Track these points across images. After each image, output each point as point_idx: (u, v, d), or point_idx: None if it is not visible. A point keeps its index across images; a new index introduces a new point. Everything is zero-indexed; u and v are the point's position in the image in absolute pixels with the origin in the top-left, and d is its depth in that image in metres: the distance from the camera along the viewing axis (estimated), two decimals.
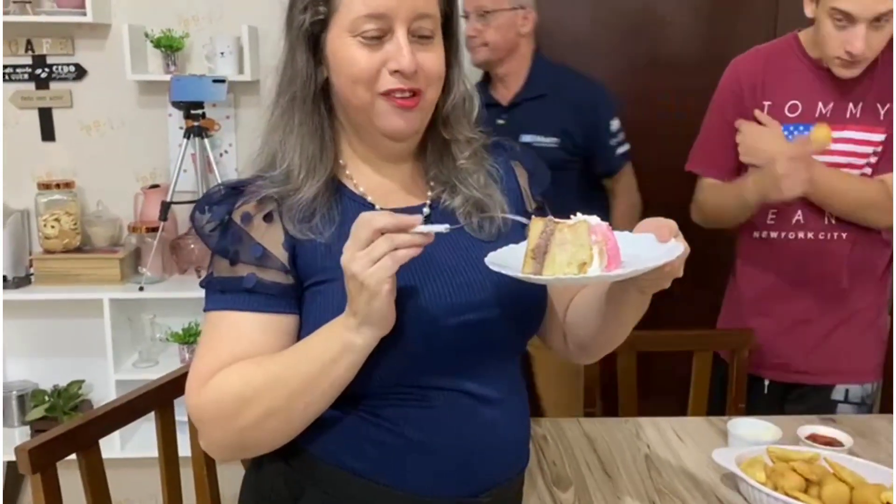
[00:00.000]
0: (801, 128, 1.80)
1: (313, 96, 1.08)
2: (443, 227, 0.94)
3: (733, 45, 2.05)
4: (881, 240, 1.82)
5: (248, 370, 1.00)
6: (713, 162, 1.92)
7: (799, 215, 1.83)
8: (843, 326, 1.86)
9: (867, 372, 1.88)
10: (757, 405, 1.92)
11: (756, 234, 1.91)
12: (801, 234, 1.84)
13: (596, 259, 0.91)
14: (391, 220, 0.91)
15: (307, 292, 1.05)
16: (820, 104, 1.79)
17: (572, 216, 0.94)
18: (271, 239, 1.04)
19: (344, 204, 1.08)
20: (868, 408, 1.90)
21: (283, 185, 1.06)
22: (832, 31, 1.67)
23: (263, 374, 0.99)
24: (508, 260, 0.97)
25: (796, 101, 1.81)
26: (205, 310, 1.07)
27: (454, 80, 1.12)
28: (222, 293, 1.04)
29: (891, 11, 1.61)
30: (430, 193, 1.14)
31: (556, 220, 0.94)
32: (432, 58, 1.04)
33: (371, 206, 1.09)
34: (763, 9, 2.56)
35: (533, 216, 0.98)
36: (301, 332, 1.05)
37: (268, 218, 1.05)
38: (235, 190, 1.07)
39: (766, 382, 1.96)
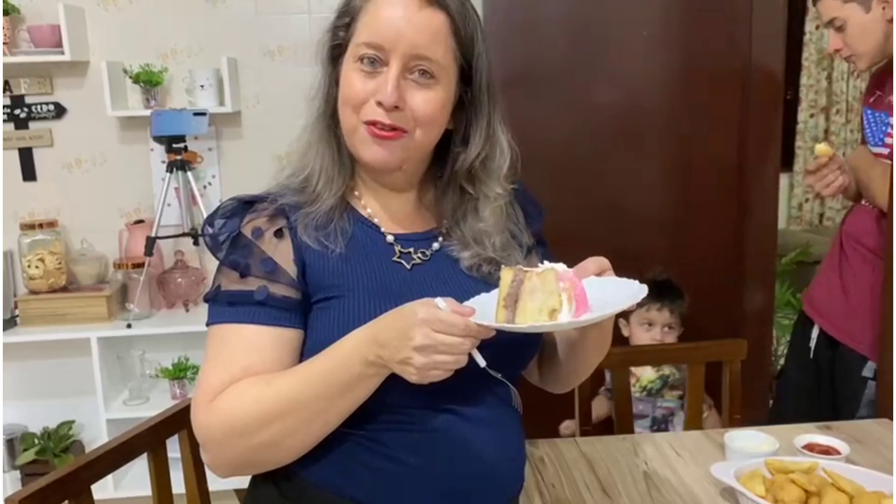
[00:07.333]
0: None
1: (332, 114, 1.11)
2: (482, 362, 0.95)
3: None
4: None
5: (258, 389, 0.99)
6: None
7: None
8: (870, 299, 1.95)
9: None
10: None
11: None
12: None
13: (565, 305, 0.93)
14: (471, 330, 0.92)
15: (314, 307, 1.06)
16: None
17: (540, 265, 0.97)
18: (282, 253, 1.05)
19: (353, 224, 1.11)
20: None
21: (300, 195, 1.08)
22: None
23: (276, 394, 0.98)
24: (480, 309, 0.97)
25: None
26: (209, 323, 1.06)
27: (474, 136, 1.12)
28: (231, 306, 1.04)
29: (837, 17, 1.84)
30: (441, 230, 1.16)
31: (525, 268, 0.96)
32: (424, 99, 1.05)
33: (378, 229, 1.12)
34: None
35: (503, 266, 0.99)
36: (304, 347, 1.05)
37: (279, 234, 1.06)
38: (247, 204, 1.09)
39: (813, 339, 2.09)
